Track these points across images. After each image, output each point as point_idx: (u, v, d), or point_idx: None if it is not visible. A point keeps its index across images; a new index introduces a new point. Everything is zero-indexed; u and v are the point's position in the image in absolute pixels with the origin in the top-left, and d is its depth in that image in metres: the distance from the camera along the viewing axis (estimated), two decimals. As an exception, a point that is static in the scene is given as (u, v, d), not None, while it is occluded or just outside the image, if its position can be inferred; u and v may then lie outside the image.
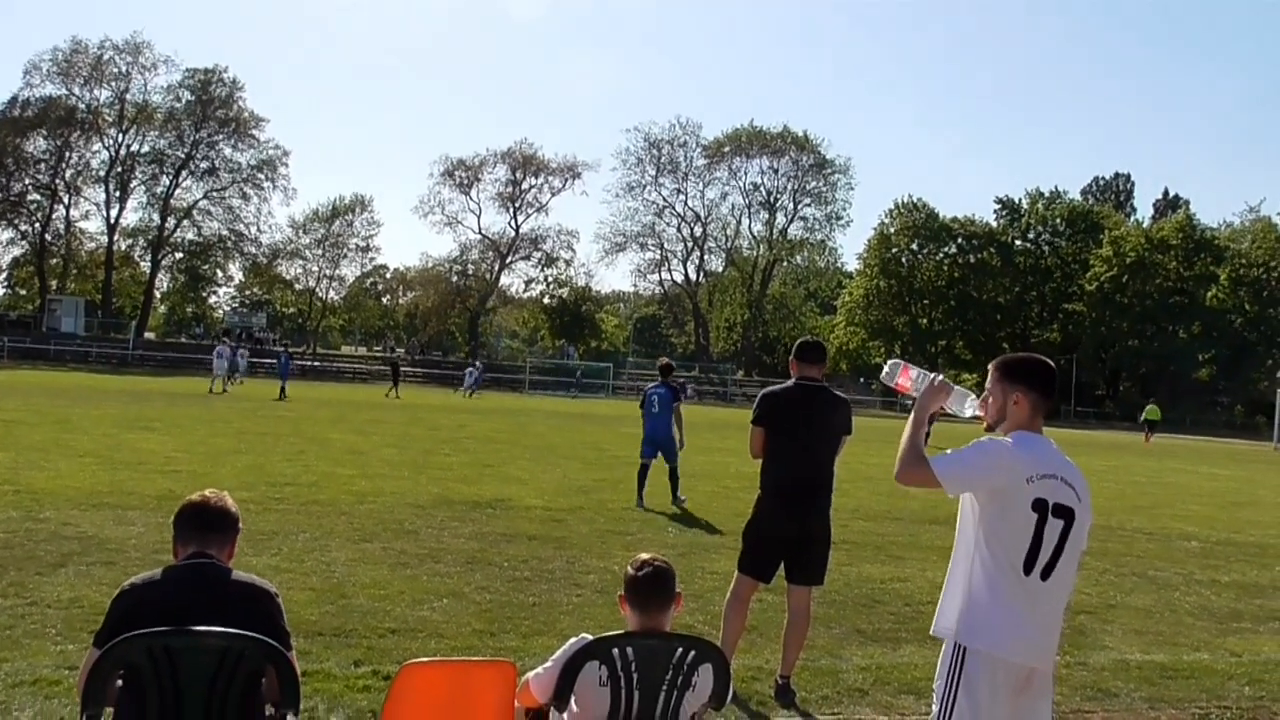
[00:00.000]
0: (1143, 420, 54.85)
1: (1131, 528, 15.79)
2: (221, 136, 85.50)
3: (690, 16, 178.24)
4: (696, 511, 14.31)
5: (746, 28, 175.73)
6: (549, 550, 10.74)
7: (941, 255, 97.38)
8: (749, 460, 6.91)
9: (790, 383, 6.82)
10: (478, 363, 69.40)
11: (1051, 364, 3.96)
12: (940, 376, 4.01)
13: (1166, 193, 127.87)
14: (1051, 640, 3.82)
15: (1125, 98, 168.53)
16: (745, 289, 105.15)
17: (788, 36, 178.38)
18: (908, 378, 4.16)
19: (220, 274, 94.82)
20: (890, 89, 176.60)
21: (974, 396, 3.99)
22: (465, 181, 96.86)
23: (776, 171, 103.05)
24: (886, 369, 4.23)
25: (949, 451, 3.70)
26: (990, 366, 4.01)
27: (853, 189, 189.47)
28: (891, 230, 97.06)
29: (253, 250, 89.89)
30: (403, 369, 60.71)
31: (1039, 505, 3.68)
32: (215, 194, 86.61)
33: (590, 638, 3.67)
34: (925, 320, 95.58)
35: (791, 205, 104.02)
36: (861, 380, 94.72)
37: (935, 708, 3.78)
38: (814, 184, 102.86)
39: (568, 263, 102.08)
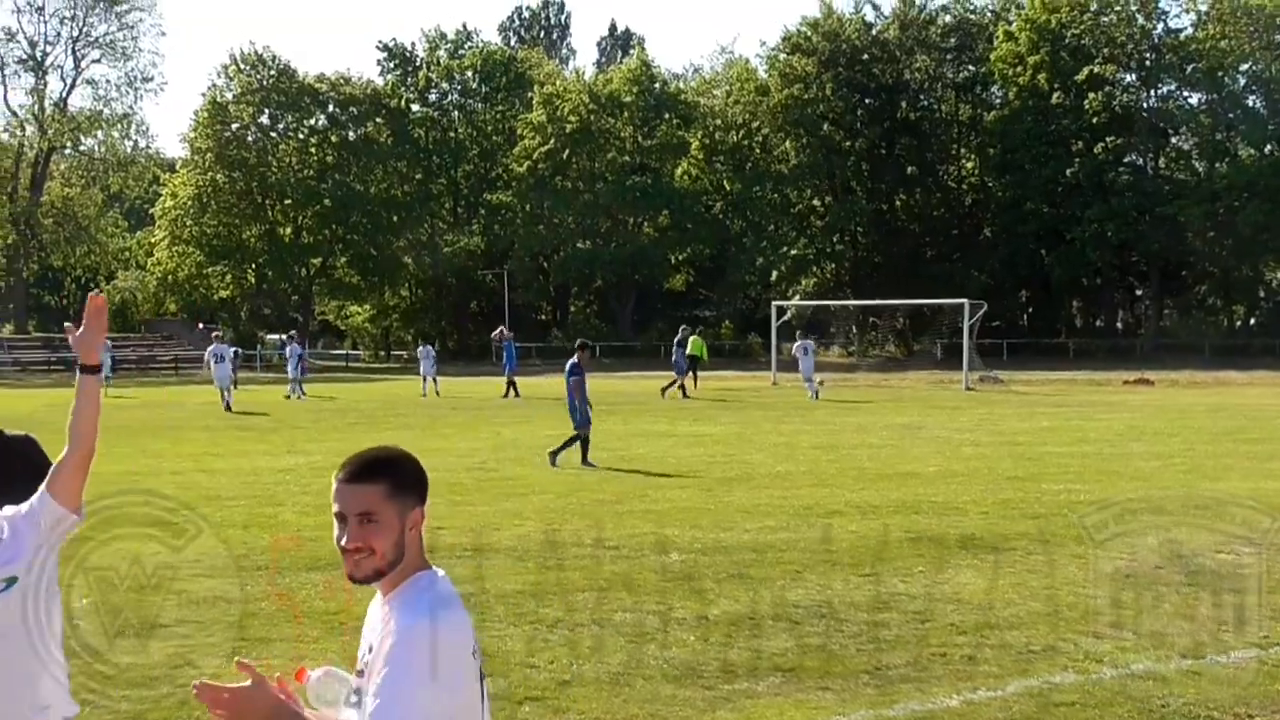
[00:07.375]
0: (686, 358, 50.74)
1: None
2: None
3: None
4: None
5: None
6: None
7: (307, 131, 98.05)
8: None
9: None
10: None
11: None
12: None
13: (614, 27, 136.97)
14: None
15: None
16: (8, 195, 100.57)
17: None
18: None
19: None
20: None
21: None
22: None
23: (42, 10, 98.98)
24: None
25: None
26: (366, 483, 3.82)
27: (164, 34, 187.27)
28: (229, 97, 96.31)
29: None
30: None
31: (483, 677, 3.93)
32: None
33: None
34: (288, 229, 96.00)
35: (71, 62, 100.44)
36: (201, 326, 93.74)
37: None
38: (103, 28, 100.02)
39: None
